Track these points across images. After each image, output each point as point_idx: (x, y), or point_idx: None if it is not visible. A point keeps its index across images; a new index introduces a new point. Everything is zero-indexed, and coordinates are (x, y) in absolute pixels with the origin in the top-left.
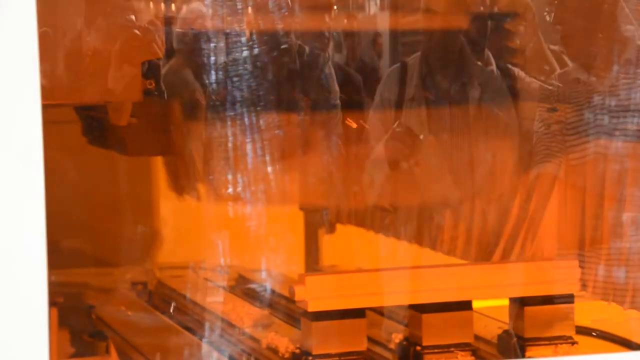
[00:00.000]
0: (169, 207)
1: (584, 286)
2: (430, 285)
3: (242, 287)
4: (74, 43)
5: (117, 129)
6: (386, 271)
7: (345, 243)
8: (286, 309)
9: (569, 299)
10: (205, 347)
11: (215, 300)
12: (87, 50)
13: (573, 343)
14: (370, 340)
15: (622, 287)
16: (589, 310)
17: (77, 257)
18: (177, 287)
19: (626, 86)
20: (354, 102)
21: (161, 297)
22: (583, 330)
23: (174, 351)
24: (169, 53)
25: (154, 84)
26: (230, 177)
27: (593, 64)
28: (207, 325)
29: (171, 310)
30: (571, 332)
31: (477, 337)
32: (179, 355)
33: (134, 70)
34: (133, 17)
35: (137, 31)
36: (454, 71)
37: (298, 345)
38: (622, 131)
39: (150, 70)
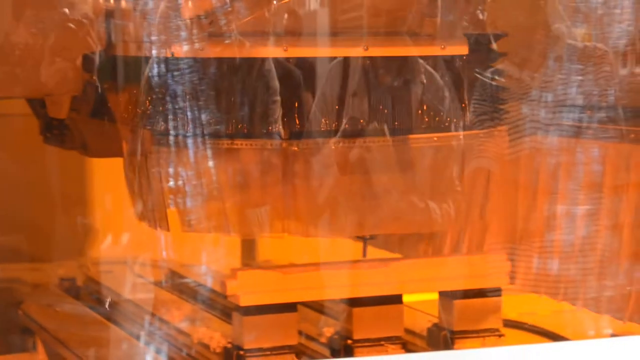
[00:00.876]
0: (104, 200)
1: (513, 279)
2: (362, 280)
3: (173, 282)
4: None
5: (76, 127)
6: (319, 265)
7: (284, 239)
8: (218, 304)
9: (497, 292)
10: (134, 342)
11: (146, 295)
12: (18, 43)
13: (500, 335)
14: (302, 334)
15: (554, 279)
16: (517, 304)
17: (9, 252)
18: (106, 283)
19: (561, 82)
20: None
21: (90, 292)
22: (511, 324)
23: (101, 345)
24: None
25: (94, 77)
26: (171, 170)
27: (526, 61)
28: (136, 320)
29: (106, 306)
30: (498, 325)
31: (407, 331)
32: (106, 350)
33: (69, 64)
34: (67, 10)
35: (71, 24)
36: (397, 67)
37: (230, 340)
38: (558, 126)
39: (90, 63)
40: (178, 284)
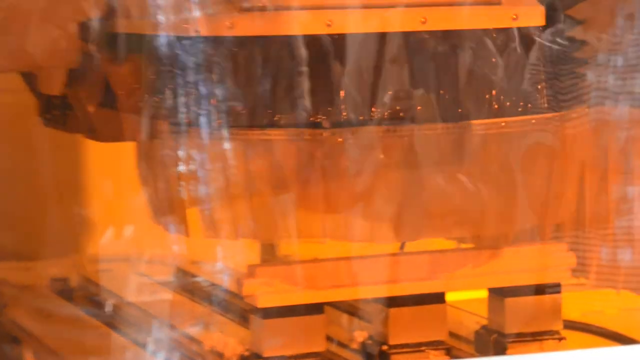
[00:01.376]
0: (103, 189)
1: (584, 272)
2: (399, 276)
3: (182, 282)
4: None
5: (81, 107)
6: (348, 260)
7: None
8: (234, 306)
9: (556, 289)
10: (138, 350)
11: (150, 297)
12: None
13: (560, 339)
14: (330, 339)
15: (635, 271)
16: (580, 302)
17: None
18: (104, 283)
19: (634, 43)
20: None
21: (85, 294)
22: (573, 325)
23: (99, 355)
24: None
25: (95, 48)
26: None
27: (591, 19)
28: (140, 326)
29: (107, 310)
30: (558, 327)
31: (451, 334)
32: None
33: (61, 32)
34: None
35: None
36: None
37: (247, 347)
38: (629, 95)
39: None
40: (188, 284)
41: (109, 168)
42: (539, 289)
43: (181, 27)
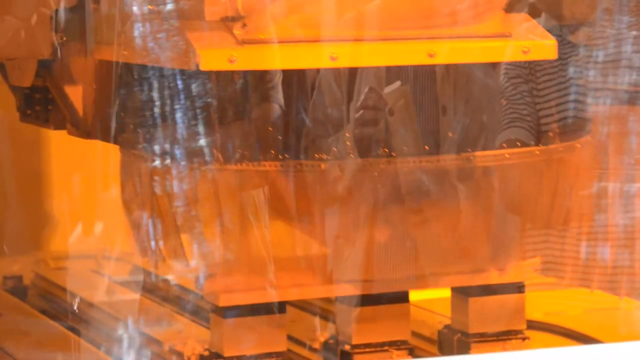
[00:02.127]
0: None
1: (558, 272)
2: (361, 275)
3: (140, 280)
4: None
5: (69, 104)
6: (310, 258)
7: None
8: (194, 305)
9: (519, 288)
10: (93, 350)
11: (107, 296)
12: None
13: (524, 339)
14: (291, 339)
15: (612, 270)
16: (543, 302)
17: None
18: (59, 281)
19: (613, 38)
20: None
21: (39, 293)
22: (536, 325)
23: (53, 354)
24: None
25: (64, 38)
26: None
27: (567, 13)
28: (96, 325)
29: (75, 308)
30: (522, 327)
31: (414, 334)
32: None
33: (20, 23)
34: None
35: None
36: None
37: (207, 347)
38: (609, 91)
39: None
40: (146, 283)
41: (72, 164)
42: (503, 289)
43: (181, 60)
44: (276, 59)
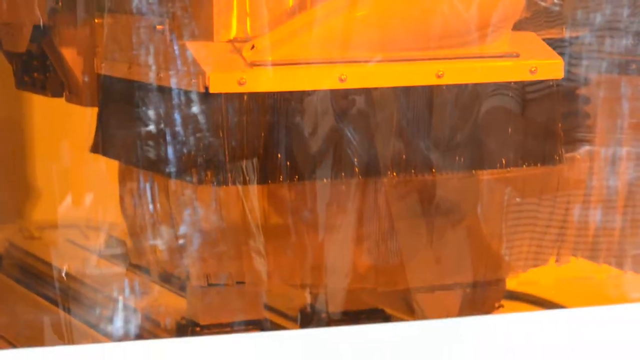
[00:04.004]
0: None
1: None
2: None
3: (115, 250)
4: None
5: (65, 68)
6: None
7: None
8: (170, 275)
9: None
10: (69, 319)
11: (84, 265)
12: None
13: (499, 306)
14: (268, 308)
15: (593, 237)
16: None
17: None
18: (34, 251)
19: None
20: None
21: (13, 262)
22: (510, 295)
23: (29, 324)
24: None
25: (60, 3)
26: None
27: None
28: (71, 294)
29: (63, 275)
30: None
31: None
32: (39, 332)
33: None
34: None
35: None
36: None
37: (183, 315)
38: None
39: None
40: (120, 253)
41: (55, 131)
42: None
43: (190, 82)
44: (285, 81)
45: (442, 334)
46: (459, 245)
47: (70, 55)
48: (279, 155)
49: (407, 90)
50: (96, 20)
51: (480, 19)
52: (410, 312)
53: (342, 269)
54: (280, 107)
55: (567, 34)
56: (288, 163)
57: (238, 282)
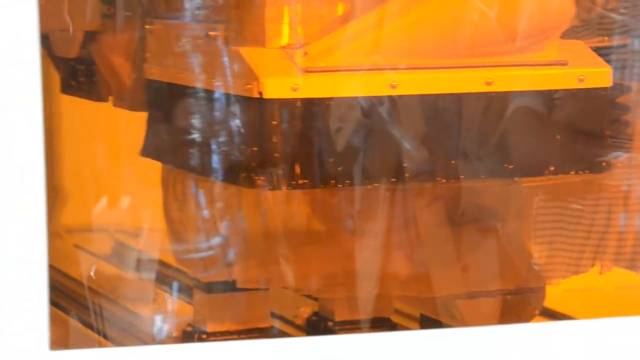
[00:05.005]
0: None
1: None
2: None
3: (122, 255)
4: None
5: (111, 72)
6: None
7: None
8: (176, 280)
9: None
10: (73, 323)
11: (89, 270)
12: None
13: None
14: (274, 316)
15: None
16: None
17: None
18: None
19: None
20: None
21: None
22: None
23: None
24: None
25: (112, 10)
26: None
27: None
28: (76, 298)
29: (92, 274)
30: None
31: (397, 312)
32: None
33: None
34: None
35: None
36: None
37: (189, 322)
38: None
39: None
40: (126, 257)
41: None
42: None
43: (243, 87)
44: (337, 87)
45: (448, 343)
46: (499, 252)
47: (118, 60)
48: (330, 160)
49: (462, 98)
50: (147, 27)
51: (529, 28)
52: (451, 318)
53: (373, 275)
54: (331, 113)
55: (613, 41)
56: (340, 168)
57: (283, 288)
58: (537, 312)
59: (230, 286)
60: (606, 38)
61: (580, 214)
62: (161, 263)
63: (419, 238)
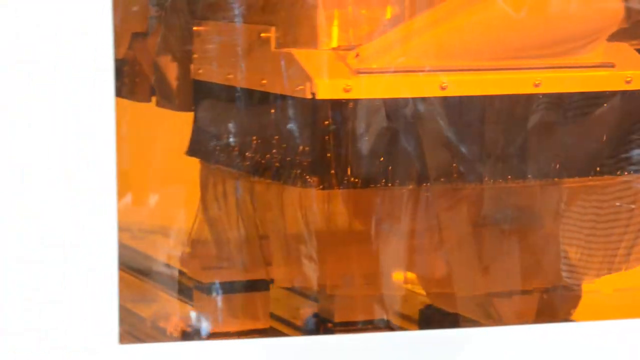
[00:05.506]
0: None
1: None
2: None
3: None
4: None
5: (159, 72)
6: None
7: None
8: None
9: None
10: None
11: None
12: None
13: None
14: (274, 317)
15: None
16: None
17: None
18: None
19: None
20: None
21: None
22: None
23: None
24: None
25: (161, 12)
26: None
27: None
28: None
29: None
30: None
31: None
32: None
33: None
34: None
35: None
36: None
37: (189, 323)
38: None
39: None
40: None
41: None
42: None
43: (296, 88)
44: (389, 88)
45: (445, 344)
46: (536, 251)
47: (164, 61)
48: (382, 159)
49: (505, 99)
50: (194, 28)
51: (577, 30)
52: (487, 317)
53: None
54: (380, 114)
55: None
56: (390, 168)
57: (319, 286)
58: (573, 310)
59: (230, 287)
60: None
61: (617, 212)
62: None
63: (453, 239)
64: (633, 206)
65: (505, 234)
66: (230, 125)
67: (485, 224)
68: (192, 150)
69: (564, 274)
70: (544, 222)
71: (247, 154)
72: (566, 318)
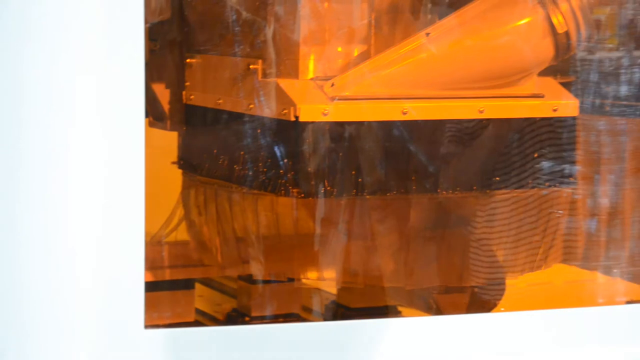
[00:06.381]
0: None
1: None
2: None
3: None
4: None
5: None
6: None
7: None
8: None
9: None
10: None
11: None
12: None
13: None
14: (199, 312)
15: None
16: None
17: None
18: None
19: None
20: None
21: None
22: None
23: None
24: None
25: (158, 47)
26: None
27: None
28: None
29: None
30: None
31: (304, 308)
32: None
33: None
34: None
35: None
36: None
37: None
38: None
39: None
40: None
41: None
42: None
43: (281, 112)
44: (359, 113)
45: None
46: (470, 253)
47: (159, 88)
48: (353, 173)
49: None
50: (187, 60)
51: (515, 66)
52: (427, 309)
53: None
54: (352, 134)
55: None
56: (360, 180)
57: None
58: (497, 302)
59: (162, 285)
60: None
61: (537, 220)
62: None
63: (404, 240)
64: (536, 213)
65: (430, 239)
66: (220, 143)
67: (416, 229)
68: (181, 164)
69: (492, 271)
70: (476, 229)
71: (236, 167)
72: (492, 309)
